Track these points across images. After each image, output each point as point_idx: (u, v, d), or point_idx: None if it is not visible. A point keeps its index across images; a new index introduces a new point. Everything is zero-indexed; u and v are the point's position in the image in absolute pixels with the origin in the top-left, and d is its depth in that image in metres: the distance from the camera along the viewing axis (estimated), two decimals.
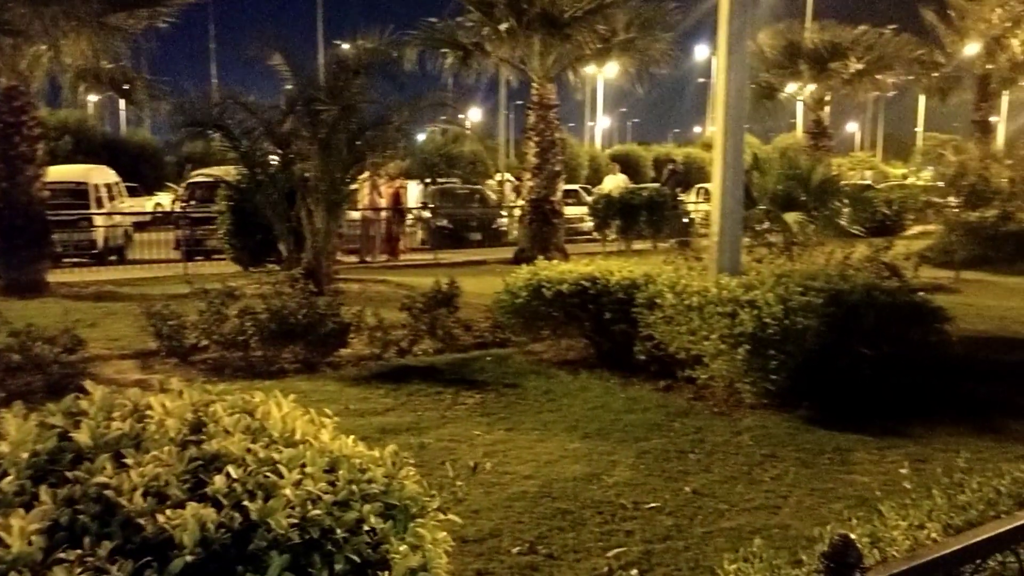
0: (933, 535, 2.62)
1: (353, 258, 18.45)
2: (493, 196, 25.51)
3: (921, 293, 7.99)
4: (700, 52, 57.13)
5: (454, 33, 18.24)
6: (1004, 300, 12.89)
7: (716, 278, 7.42)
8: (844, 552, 1.73)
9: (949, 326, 7.68)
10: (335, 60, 14.16)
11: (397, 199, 19.89)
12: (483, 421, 6.67)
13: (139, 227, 20.73)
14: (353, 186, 15.07)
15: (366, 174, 16.43)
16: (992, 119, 29.35)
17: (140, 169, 31.14)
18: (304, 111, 12.54)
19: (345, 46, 15.20)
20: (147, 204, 27.42)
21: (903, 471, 5.46)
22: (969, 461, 3.31)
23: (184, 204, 20.63)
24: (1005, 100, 33.33)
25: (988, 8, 26.42)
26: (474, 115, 26.75)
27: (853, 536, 1.81)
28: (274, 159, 13.13)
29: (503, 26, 17.06)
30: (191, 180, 21.71)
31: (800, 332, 6.57)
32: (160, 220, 22.70)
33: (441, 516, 2.11)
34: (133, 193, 25.12)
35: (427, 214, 22.09)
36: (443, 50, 18.08)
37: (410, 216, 21.33)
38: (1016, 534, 1.97)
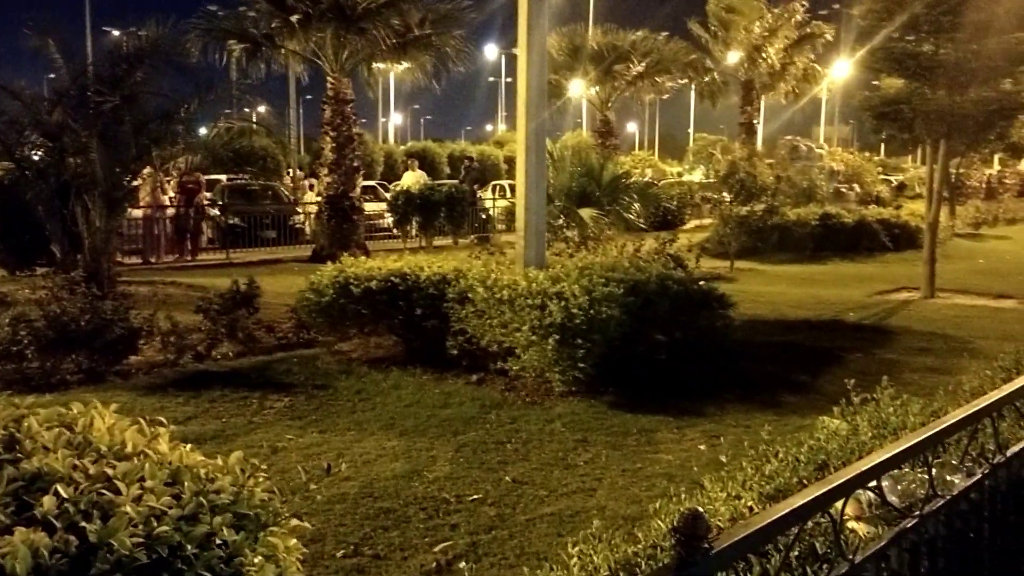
0: (749, 503, 2.84)
1: (136, 259, 17.27)
2: (287, 193, 24.72)
3: (703, 282, 8.58)
4: (490, 51, 58.38)
5: (241, 23, 17.49)
6: (773, 286, 14.16)
7: (524, 272, 7.62)
8: (694, 525, 1.84)
9: (732, 312, 8.35)
10: (113, 48, 13.14)
11: (192, 196, 18.73)
12: (294, 425, 6.47)
13: None
14: (136, 182, 14.07)
15: (148, 169, 15.38)
16: (754, 121, 32.12)
17: None
18: (78, 101, 11.54)
19: (116, 33, 14.16)
20: None
21: (701, 447, 5.92)
22: (771, 434, 3.60)
23: None
24: (764, 104, 36.61)
25: (748, 20, 28.86)
26: (262, 110, 25.81)
27: (699, 509, 1.92)
28: (38, 153, 11.99)
29: (294, 17, 16.58)
30: None
31: (604, 321, 6.89)
32: None
33: (295, 522, 2.02)
34: None
35: (215, 211, 21.02)
36: (229, 41, 17.29)
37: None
38: (830, 496, 2.18)
